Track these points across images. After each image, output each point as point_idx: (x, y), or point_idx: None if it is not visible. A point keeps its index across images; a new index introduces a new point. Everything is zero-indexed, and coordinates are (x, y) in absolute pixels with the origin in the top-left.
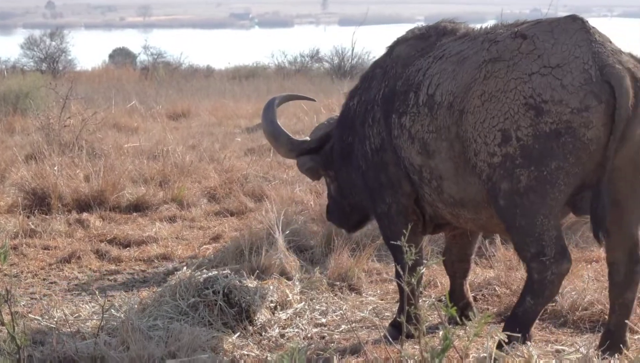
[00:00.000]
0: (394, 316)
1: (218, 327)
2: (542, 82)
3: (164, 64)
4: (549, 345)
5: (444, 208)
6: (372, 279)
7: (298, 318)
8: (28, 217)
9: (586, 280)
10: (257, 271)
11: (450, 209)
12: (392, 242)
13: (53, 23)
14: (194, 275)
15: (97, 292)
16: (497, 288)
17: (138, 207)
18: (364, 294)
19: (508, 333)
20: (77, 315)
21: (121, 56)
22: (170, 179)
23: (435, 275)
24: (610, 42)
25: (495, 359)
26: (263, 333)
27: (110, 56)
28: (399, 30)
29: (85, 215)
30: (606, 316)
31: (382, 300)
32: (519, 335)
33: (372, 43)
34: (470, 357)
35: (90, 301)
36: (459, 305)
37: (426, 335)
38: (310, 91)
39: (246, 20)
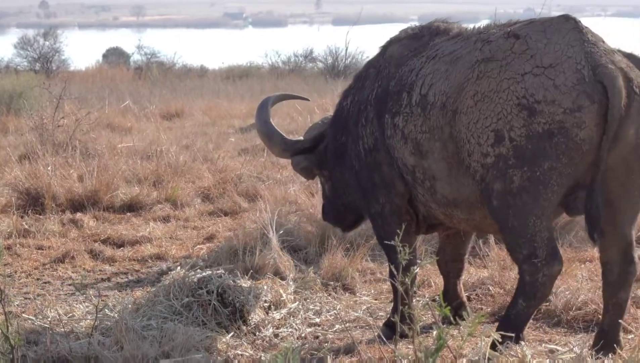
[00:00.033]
0: (388, 316)
1: (212, 327)
2: (535, 82)
3: (157, 64)
4: (543, 344)
5: (437, 208)
6: (366, 279)
7: (292, 318)
8: (22, 217)
9: (580, 280)
10: (251, 271)
11: (443, 210)
12: (386, 242)
13: (46, 23)
14: (187, 274)
15: (91, 292)
16: (490, 288)
17: (132, 207)
18: (357, 294)
19: (502, 332)
20: (71, 314)
21: (115, 55)
22: (164, 179)
23: (429, 275)
24: (603, 41)
25: (489, 359)
26: (257, 333)
27: (104, 56)
28: (393, 30)
29: (79, 215)
30: (600, 316)
31: (376, 299)
32: (513, 334)
33: (366, 43)
34: (464, 356)
35: (84, 301)
36: (453, 304)
37: (420, 334)
38: (304, 91)
39: (240, 20)
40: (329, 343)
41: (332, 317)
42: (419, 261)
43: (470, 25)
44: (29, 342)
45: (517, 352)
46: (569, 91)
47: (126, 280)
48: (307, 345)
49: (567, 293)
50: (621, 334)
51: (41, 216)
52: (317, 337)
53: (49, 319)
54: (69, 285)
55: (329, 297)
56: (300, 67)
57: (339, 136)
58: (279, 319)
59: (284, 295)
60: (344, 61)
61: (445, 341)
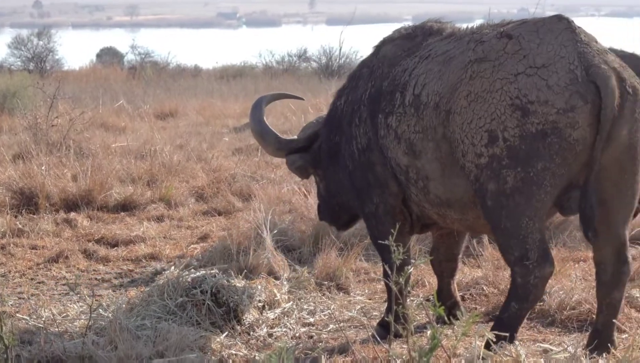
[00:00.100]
0: (382, 315)
1: (206, 327)
2: (528, 82)
3: (151, 64)
4: (537, 344)
5: (431, 208)
6: (360, 278)
7: (286, 318)
8: (15, 217)
9: (574, 280)
10: (245, 270)
11: (436, 210)
12: (380, 242)
13: (40, 22)
14: (181, 274)
15: (84, 292)
16: (484, 288)
17: (126, 207)
18: (351, 293)
19: (496, 332)
20: (65, 314)
21: (109, 55)
22: (158, 178)
23: (423, 275)
24: (596, 41)
25: (483, 358)
26: (251, 333)
27: (98, 56)
28: (387, 30)
29: (72, 215)
30: (594, 316)
31: (370, 299)
32: (507, 334)
33: (360, 42)
34: (458, 356)
35: (78, 301)
36: (447, 304)
37: (414, 334)
38: (298, 91)
39: (234, 19)
40: (323, 342)
41: (326, 317)
42: (412, 260)
43: (464, 25)
44: (23, 342)
45: (511, 351)
46: (562, 91)
47: (120, 279)
48: (301, 345)
49: (561, 292)
50: (615, 334)
51: (35, 216)
52: (311, 337)
53: (43, 319)
54: (63, 284)
55: (323, 297)
56: (294, 67)
57: (333, 136)
58: (273, 319)
59: (278, 294)
60: (337, 60)
61: (439, 341)
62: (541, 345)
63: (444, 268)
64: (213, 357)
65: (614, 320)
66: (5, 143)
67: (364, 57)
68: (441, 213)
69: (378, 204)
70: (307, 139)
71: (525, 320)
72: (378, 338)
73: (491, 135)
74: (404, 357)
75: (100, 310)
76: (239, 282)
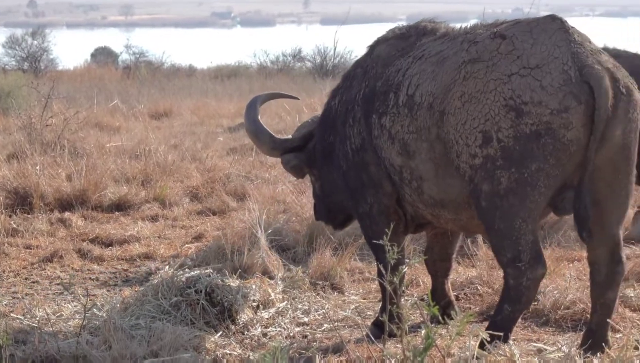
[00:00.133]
0: (377, 315)
1: (200, 326)
2: (522, 83)
3: (146, 63)
4: (531, 343)
5: (425, 208)
6: (354, 278)
7: (280, 317)
8: (10, 216)
9: (568, 279)
10: (240, 270)
11: (430, 210)
12: (375, 241)
13: (35, 22)
14: (176, 274)
15: (79, 291)
16: (479, 287)
17: (120, 206)
18: (346, 293)
19: (490, 332)
20: (59, 314)
21: (103, 55)
22: (153, 178)
23: (417, 274)
24: (590, 41)
25: (477, 358)
26: (245, 333)
27: (92, 55)
28: (381, 30)
29: (67, 214)
30: (588, 315)
31: (364, 299)
32: (501, 334)
33: (354, 42)
34: (452, 355)
35: (72, 301)
36: (441, 304)
37: (408, 334)
38: (292, 90)
39: (228, 19)
40: (318, 342)
41: (321, 316)
42: (407, 260)
43: (458, 25)
44: (17, 341)
45: (505, 351)
46: (555, 92)
47: (114, 279)
48: (295, 345)
49: (555, 292)
50: (609, 333)
51: (29, 216)
52: (306, 336)
53: (37, 318)
54: (58, 284)
55: (318, 296)
56: (289, 66)
57: (327, 136)
58: (267, 318)
59: (272, 294)
60: (332, 60)
61: (433, 340)
62: (535, 344)
63: (438, 267)
64: (207, 357)
65: (608, 320)
66: None
67: (358, 57)
68: (435, 213)
69: (372, 204)
70: (301, 138)
71: (519, 320)
72: (372, 338)
73: (485, 136)
74: (398, 356)
75: (94, 309)
76: (234, 282)
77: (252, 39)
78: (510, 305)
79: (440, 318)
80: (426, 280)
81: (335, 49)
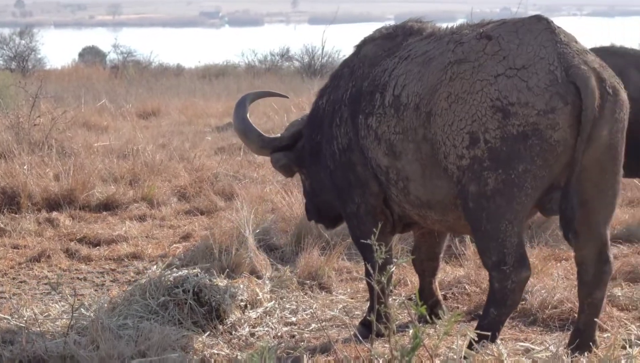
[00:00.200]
0: (364, 315)
1: (188, 326)
2: (508, 84)
3: (133, 63)
4: (519, 343)
5: (411, 209)
6: (342, 278)
7: (268, 317)
8: None
9: (556, 278)
10: (227, 270)
11: (417, 211)
12: (362, 241)
13: (22, 22)
14: (163, 274)
15: (66, 291)
16: (467, 287)
17: (108, 206)
18: (334, 293)
19: (478, 332)
20: (46, 314)
21: (91, 54)
22: (140, 178)
23: (405, 274)
24: (576, 41)
25: (465, 358)
26: (233, 332)
27: (80, 55)
28: (369, 29)
29: (55, 214)
30: (576, 315)
31: (352, 298)
32: (489, 333)
33: (342, 42)
34: (440, 355)
35: (60, 301)
36: (429, 303)
37: (396, 333)
38: (280, 90)
39: (216, 18)
40: (305, 342)
41: (309, 316)
42: (394, 260)
43: (445, 25)
44: (4, 342)
45: (493, 350)
46: (542, 92)
47: (102, 279)
48: (283, 344)
49: (543, 291)
50: (597, 333)
51: (17, 215)
52: (294, 336)
53: (25, 318)
54: (45, 284)
55: (305, 296)
56: (277, 66)
57: (315, 135)
58: (255, 318)
59: (260, 294)
60: (320, 59)
61: (421, 340)
62: (523, 344)
63: (426, 267)
64: (195, 357)
65: (595, 320)
66: None
67: (346, 56)
68: (422, 214)
69: (359, 204)
70: (290, 137)
71: (507, 319)
72: (360, 338)
73: (472, 137)
74: (386, 356)
75: (82, 309)
76: (221, 281)
77: (240, 39)
78: (496, 308)
79: (427, 317)
80: (414, 280)
81: (323, 48)
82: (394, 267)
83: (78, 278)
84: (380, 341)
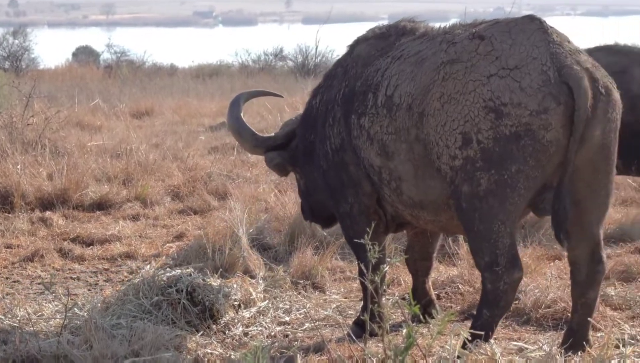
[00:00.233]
0: (358, 314)
1: (181, 326)
2: (501, 84)
3: (127, 63)
4: (512, 342)
5: (404, 209)
6: (335, 277)
7: (261, 317)
8: None
9: (549, 278)
10: (221, 269)
11: (410, 211)
12: (356, 241)
13: (16, 21)
14: (157, 273)
15: (60, 291)
16: (460, 286)
17: (101, 205)
18: (327, 292)
19: (471, 331)
20: (40, 313)
21: (84, 54)
22: (134, 177)
23: (398, 273)
24: (569, 41)
25: (459, 357)
26: (226, 332)
27: (74, 54)
28: (363, 29)
29: (48, 214)
30: (569, 314)
31: (345, 298)
32: (482, 333)
33: (336, 41)
34: (434, 355)
35: (53, 300)
36: (422, 302)
37: (389, 333)
38: (274, 90)
39: (210, 18)
40: (299, 341)
41: (302, 316)
42: (388, 259)
43: (440, 25)
44: None
45: (487, 350)
46: (534, 93)
47: (95, 278)
48: (276, 344)
49: (536, 291)
50: (590, 332)
51: (10, 215)
52: (287, 336)
53: (18, 318)
54: (38, 283)
55: (299, 296)
56: (271, 65)
57: (308, 135)
58: (248, 318)
59: (253, 293)
60: (314, 59)
61: (414, 339)
62: (516, 343)
63: (419, 266)
64: (188, 356)
65: (589, 319)
66: None
67: (340, 56)
68: (414, 214)
69: (352, 204)
70: (284, 136)
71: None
72: (354, 337)
73: (465, 137)
74: (379, 355)
75: (75, 309)
76: (215, 281)
77: (234, 38)
78: (488, 309)
79: (421, 317)
80: (407, 279)
81: (317, 48)
82: (388, 267)
83: (71, 277)
84: (374, 340)
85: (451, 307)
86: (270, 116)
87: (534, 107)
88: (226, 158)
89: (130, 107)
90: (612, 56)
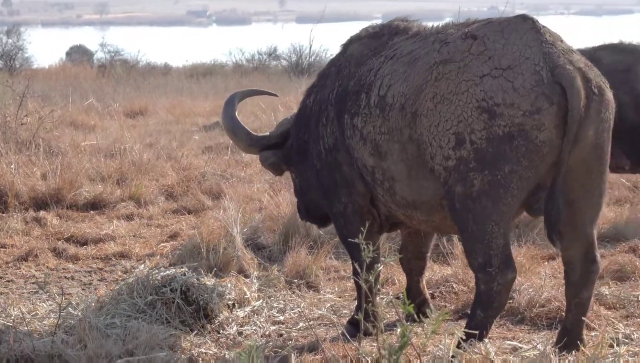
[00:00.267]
0: (352, 313)
1: (176, 325)
2: (494, 84)
3: (121, 62)
4: (506, 342)
5: (397, 209)
6: (330, 276)
7: (256, 316)
8: None
9: (543, 277)
10: (215, 269)
11: (403, 211)
12: (350, 240)
13: (10, 20)
14: (151, 273)
15: (54, 290)
16: (454, 286)
17: (95, 205)
18: (321, 292)
19: (466, 330)
20: (34, 313)
21: (78, 53)
22: (128, 177)
23: (392, 273)
24: (562, 41)
25: (453, 356)
26: (221, 331)
27: (67, 54)
28: (357, 28)
29: (42, 213)
30: (563, 313)
31: (340, 297)
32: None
33: (330, 40)
34: (428, 354)
35: (47, 300)
36: (416, 302)
37: (384, 332)
38: (268, 89)
39: (204, 17)
40: (293, 341)
41: (296, 315)
42: (382, 259)
43: (434, 24)
44: None
45: (481, 349)
46: (527, 93)
47: (90, 278)
48: (271, 343)
49: (530, 290)
50: (584, 331)
51: (4, 215)
52: (281, 335)
53: (12, 317)
54: (32, 283)
55: (293, 295)
56: (264, 65)
57: (302, 134)
58: (242, 317)
59: (247, 293)
60: (307, 58)
61: (409, 338)
62: (510, 342)
63: (413, 266)
64: (183, 356)
65: (583, 319)
66: None
67: (334, 55)
68: (407, 214)
69: (346, 204)
70: (279, 136)
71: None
72: (348, 336)
73: (458, 138)
74: (373, 355)
75: (69, 308)
76: (209, 280)
77: (228, 38)
78: (482, 310)
79: (415, 316)
80: (401, 279)
81: (310, 47)
82: (382, 266)
83: (65, 277)
84: (368, 340)
85: (445, 306)
86: (264, 116)
87: (527, 107)
88: (220, 157)
89: (124, 106)
90: (616, 55)
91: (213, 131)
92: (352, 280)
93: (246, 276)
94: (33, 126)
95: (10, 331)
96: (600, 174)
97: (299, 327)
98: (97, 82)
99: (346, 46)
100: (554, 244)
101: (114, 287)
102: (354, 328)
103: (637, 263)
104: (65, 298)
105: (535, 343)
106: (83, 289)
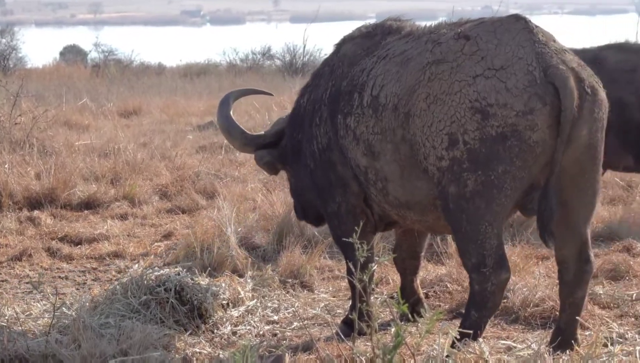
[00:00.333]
0: (346, 313)
1: (170, 325)
2: (487, 85)
3: (115, 62)
4: (501, 341)
5: (390, 209)
6: (324, 276)
7: (250, 316)
8: None
9: (537, 277)
10: (209, 268)
11: (396, 211)
12: (344, 239)
13: (3, 20)
14: (145, 272)
15: (48, 290)
16: (448, 285)
17: (89, 205)
18: (316, 291)
19: (460, 330)
20: (28, 313)
21: (72, 53)
22: (122, 176)
23: (387, 272)
24: (555, 40)
25: (447, 356)
26: (215, 331)
27: (61, 54)
28: (351, 27)
29: (36, 213)
30: (557, 313)
31: (334, 297)
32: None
33: (324, 40)
34: (422, 353)
35: (41, 299)
36: (410, 301)
37: (378, 332)
38: (262, 89)
39: (198, 17)
40: (287, 340)
41: (290, 315)
42: (376, 258)
43: (426, 24)
44: None
45: (475, 348)
46: (520, 93)
47: (84, 278)
48: (265, 343)
49: (524, 289)
50: (578, 331)
51: None
52: (275, 335)
53: (6, 317)
54: (27, 283)
55: (287, 295)
56: (258, 64)
57: (296, 134)
58: (237, 317)
59: (242, 292)
60: (301, 58)
61: (403, 338)
62: (505, 342)
63: (407, 265)
64: (177, 355)
65: (577, 318)
66: None
67: (328, 55)
68: (401, 214)
69: (340, 204)
70: (274, 135)
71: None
72: (342, 336)
73: (451, 138)
74: (367, 354)
75: (63, 308)
76: (203, 280)
77: (222, 37)
78: (476, 310)
79: (409, 316)
80: (395, 278)
81: (304, 47)
82: (376, 265)
83: (59, 277)
84: (363, 339)
85: (439, 306)
86: (259, 115)
87: (520, 107)
88: (214, 157)
89: (118, 106)
90: (622, 54)
91: (207, 131)
92: (346, 280)
93: (240, 276)
94: (27, 126)
95: (4, 331)
96: (594, 174)
97: (293, 326)
98: (91, 82)
99: (339, 46)
100: (546, 244)
101: (108, 287)
102: (348, 328)
103: (631, 263)
104: (59, 298)
105: (530, 343)
106: (77, 289)
